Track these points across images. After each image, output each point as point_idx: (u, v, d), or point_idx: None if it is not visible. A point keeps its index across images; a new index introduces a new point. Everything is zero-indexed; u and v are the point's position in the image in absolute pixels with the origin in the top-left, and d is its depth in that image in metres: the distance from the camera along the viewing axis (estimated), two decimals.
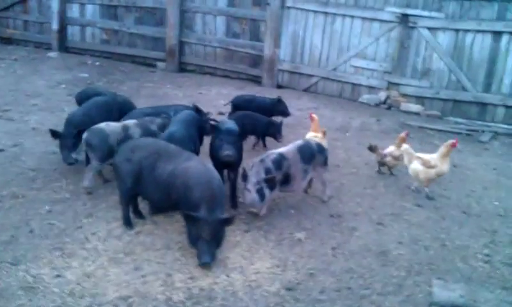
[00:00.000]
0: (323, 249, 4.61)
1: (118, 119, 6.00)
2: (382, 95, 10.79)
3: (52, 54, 13.04)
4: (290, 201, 5.61)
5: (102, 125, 5.44)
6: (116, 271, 4.02)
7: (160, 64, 12.69)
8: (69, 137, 5.78)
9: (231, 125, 5.43)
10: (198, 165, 4.29)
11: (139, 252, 4.32)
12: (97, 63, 12.65)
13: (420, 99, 10.54)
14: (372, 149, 6.66)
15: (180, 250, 4.36)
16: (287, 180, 5.17)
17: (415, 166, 5.91)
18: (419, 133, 8.95)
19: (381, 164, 6.62)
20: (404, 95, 10.65)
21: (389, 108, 10.60)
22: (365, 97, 10.92)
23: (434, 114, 10.30)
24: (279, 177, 5.05)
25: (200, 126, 5.72)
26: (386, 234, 5.02)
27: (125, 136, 5.33)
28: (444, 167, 5.75)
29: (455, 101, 10.19)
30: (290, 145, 5.50)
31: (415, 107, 10.45)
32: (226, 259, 4.29)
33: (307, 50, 11.33)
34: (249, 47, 11.80)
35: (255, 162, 5.10)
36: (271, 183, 4.94)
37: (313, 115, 6.81)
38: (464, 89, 10.09)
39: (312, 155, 5.41)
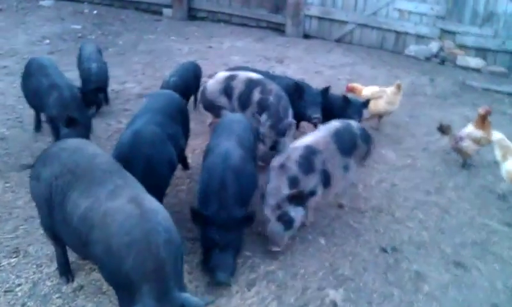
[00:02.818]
0: None
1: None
2: (433, 46, 8.88)
3: (44, 3, 11.14)
4: (319, 221, 3.80)
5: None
6: None
7: (166, 11, 10.81)
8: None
9: None
10: (128, 207, 2.37)
11: None
12: (95, 12, 10.81)
13: (481, 51, 8.56)
14: (443, 130, 4.83)
15: None
16: (326, 181, 3.47)
17: None
18: (484, 98, 6.94)
19: (455, 149, 4.77)
20: (462, 46, 8.65)
21: (442, 62, 8.66)
22: (413, 49, 9.04)
23: (499, 71, 8.28)
24: (314, 182, 3.36)
25: (185, 115, 3.94)
26: (472, 287, 3.21)
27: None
28: None
29: None
30: (321, 129, 3.75)
31: (474, 62, 8.44)
32: None
33: None
34: None
35: (273, 168, 3.40)
36: (298, 199, 3.23)
37: (353, 86, 5.11)
38: None
39: (353, 144, 3.65)
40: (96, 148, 2.83)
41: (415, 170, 4.71)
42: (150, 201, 2.46)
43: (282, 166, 3.36)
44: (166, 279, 2.20)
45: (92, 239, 2.36)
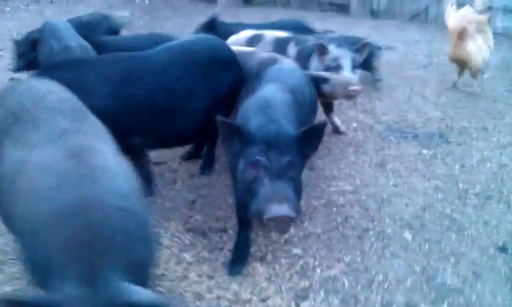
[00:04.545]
0: None
1: None
2: None
3: None
4: (399, 208, 2.72)
5: None
6: None
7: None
8: None
9: None
10: (65, 161, 1.45)
11: None
12: (146, 1, 10.38)
13: None
14: None
15: None
16: None
17: None
18: None
19: None
20: None
21: None
22: (500, 25, 7.55)
23: None
24: None
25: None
26: None
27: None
28: None
29: None
30: None
31: None
32: None
33: None
34: None
35: None
36: None
37: None
38: None
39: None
40: (56, 87, 1.91)
41: None
42: (107, 159, 1.56)
43: None
44: (97, 258, 1.26)
45: (14, 207, 1.45)
